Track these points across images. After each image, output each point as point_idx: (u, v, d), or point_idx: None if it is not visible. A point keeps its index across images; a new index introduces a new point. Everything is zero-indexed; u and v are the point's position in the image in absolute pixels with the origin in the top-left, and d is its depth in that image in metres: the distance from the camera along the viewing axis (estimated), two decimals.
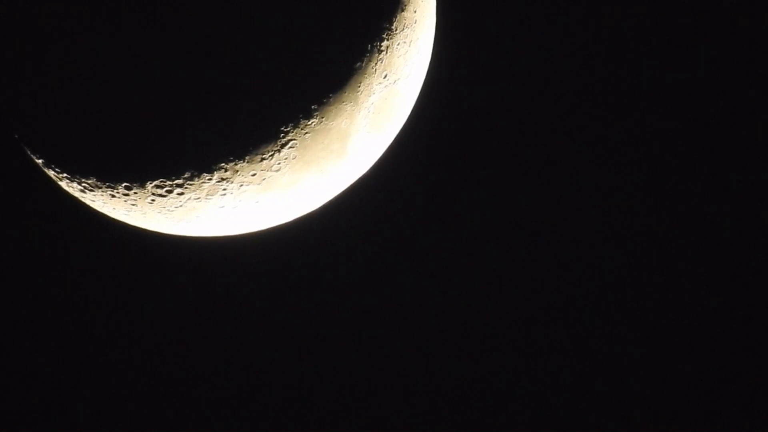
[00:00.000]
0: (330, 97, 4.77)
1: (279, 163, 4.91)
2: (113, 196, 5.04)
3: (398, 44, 5.08)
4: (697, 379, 8.53)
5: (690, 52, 8.10)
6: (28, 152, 5.23)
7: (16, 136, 5.12)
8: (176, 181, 4.82)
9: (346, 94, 4.84)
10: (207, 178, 4.81)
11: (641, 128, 8.29)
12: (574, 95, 8.27)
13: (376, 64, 4.94)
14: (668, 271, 8.50)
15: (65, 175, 5.08)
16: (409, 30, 5.17)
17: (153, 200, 4.99)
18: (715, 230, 8.41)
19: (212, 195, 4.94)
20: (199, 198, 4.96)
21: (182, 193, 4.91)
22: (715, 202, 8.35)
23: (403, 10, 5.06)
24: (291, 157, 4.91)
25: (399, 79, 5.25)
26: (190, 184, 4.84)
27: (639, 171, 8.31)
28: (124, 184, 4.90)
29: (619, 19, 8.10)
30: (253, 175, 4.89)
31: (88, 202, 5.38)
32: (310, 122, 4.78)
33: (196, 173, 4.77)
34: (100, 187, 4.99)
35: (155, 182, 4.83)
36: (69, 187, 5.23)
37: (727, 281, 8.45)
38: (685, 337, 8.55)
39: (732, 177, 8.29)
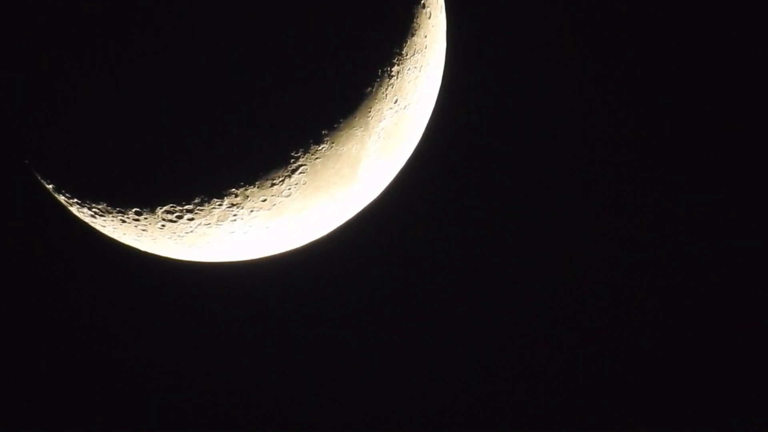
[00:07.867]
0: (340, 123, 4.76)
1: (289, 189, 4.90)
2: (124, 221, 5.04)
3: (409, 69, 5.09)
4: (697, 379, 8.46)
5: (715, 62, 8.10)
6: (39, 178, 5.24)
7: (27, 162, 5.14)
8: (186, 207, 4.81)
9: (357, 119, 4.84)
10: (217, 203, 4.80)
11: (654, 143, 8.27)
12: (588, 115, 8.25)
13: (386, 89, 4.94)
14: (675, 273, 8.47)
15: (76, 200, 5.08)
16: (420, 55, 5.17)
17: (163, 225, 4.98)
18: (715, 231, 8.37)
19: (222, 220, 4.93)
20: (209, 223, 4.95)
21: (192, 219, 4.90)
22: (716, 203, 8.32)
23: (413, 36, 5.06)
24: (301, 182, 4.90)
25: (409, 104, 5.25)
26: (201, 210, 4.83)
27: (659, 184, 8.29)
28: (134, 210, 4.89)
29: (636, 41, 8.11)
30: (264, 200, 4.88)
31: (98, 227, 5.38)
32: (320, 147, 4.77)
33: (206, 199, 4.76)
34: (111, 212, 4.99)
35: (166, 207, 4.83)
36: (80, 212, 5.24)
37: (727, 281, 8.40)
38: (685, 337, 8.49)
39: (732, 177, 8.26)
